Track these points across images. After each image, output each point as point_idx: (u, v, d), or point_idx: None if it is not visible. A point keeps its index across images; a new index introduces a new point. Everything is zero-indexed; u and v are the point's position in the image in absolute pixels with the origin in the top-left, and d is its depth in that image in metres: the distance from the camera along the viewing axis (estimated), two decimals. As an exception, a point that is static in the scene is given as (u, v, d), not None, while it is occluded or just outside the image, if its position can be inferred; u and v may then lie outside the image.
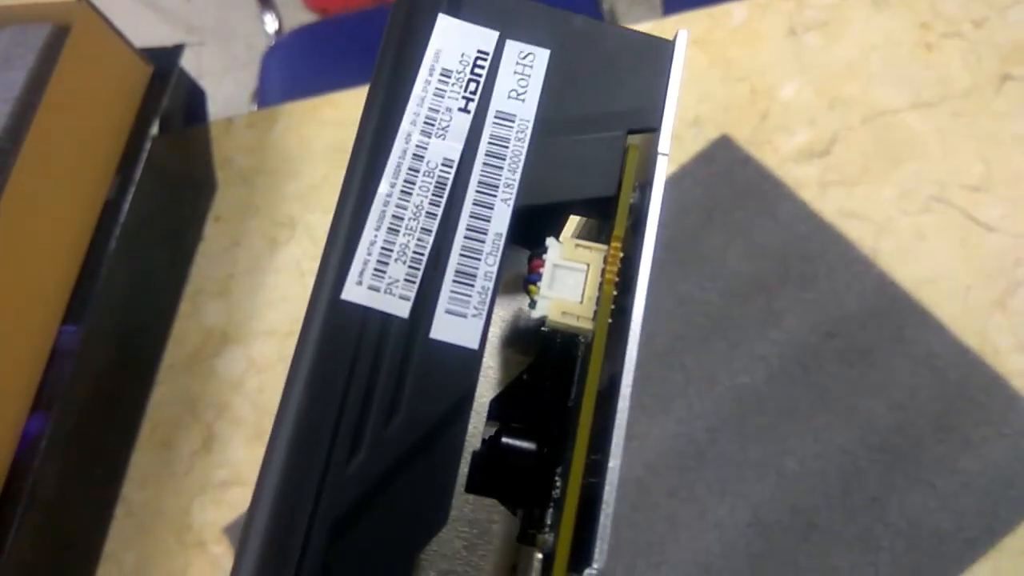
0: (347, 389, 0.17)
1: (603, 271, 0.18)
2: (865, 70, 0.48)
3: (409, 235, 0.18)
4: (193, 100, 0.57)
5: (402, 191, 0.18)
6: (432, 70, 0.19)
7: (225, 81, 1.32)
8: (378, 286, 0.18)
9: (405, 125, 0.19)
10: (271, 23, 0.92)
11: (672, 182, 0.47)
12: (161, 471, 0.48)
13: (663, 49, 0.20)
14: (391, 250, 0.18)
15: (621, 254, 0.18)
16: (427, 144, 0.19)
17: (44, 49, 0.45)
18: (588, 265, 0.18)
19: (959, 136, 0.46)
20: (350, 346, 0.17)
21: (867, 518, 0.39)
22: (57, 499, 0.45)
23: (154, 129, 0.51)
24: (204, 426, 0.49)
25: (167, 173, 0.54)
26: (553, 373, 0.20)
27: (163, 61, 0.52)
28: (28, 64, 0.45)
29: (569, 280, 0.18)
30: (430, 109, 0.19)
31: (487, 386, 0.20)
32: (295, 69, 0.87)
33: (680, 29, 0.20)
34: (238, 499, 0.46)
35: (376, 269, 0.18)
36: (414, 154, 0.19)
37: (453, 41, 0.20)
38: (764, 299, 0.44)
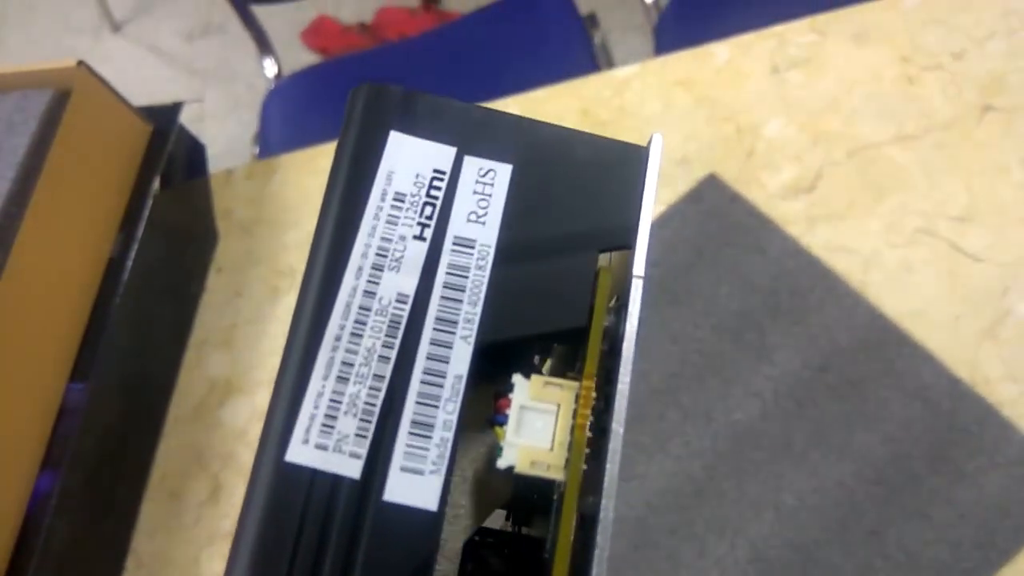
0: (293, 562, 0.15)
1: (575, 413, 0.17)
2: (848, 105, 0.49)
3: (360, 383, 0.16)
4: (193, 155, 0.58)
5: (352, 333, 0.17)
6: (384, 195, 0.18)
7: (228, 122, 1.34)
8: (326, 444, 0.16)
9: (355, 258, 0.17)
10: (270, 67, 0.94)
11: (661, 221, 0.48)
12: (170, 522, 0.49)
13: (636, 156, 0.19)
14: (340, 402, 0.16)
15: (594, 394, 0.17)
16: (379, 278, 0.17)
17: (46, 114, 0.47)
18: (559, 405, 0.17)
19: (943, 167, 0.47)
20: (295, 515, 0.16)
21: (865, 551, 0.40)
22: (69, 553, 0.45)
23: (155, 186, 0.52)
24: (211, 476, 0.50)
25: (169, 228, 0.55)
26: (529, 513, 0.18)
27: (162, 119, 0.54)
28: (31, 129, 0.46)
29: (538, 423, 0.17)
30: (382, 239, 0.18)
31: (459, 528, 0.18)
32: (295, 112, 0.88)
33: (655, 133, 0.19)
34: (245, 549, 0.47)
35: (324, 424, 0.16)
36: (365, 290, 0.17)
37: (407, 160, 0.18)
38: (756, 335, 0.45)
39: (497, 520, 0.19)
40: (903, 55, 0.50)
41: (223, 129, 1.32)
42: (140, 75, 1.34)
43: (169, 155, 0.53)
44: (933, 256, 0.45)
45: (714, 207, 0.48)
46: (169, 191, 0.55)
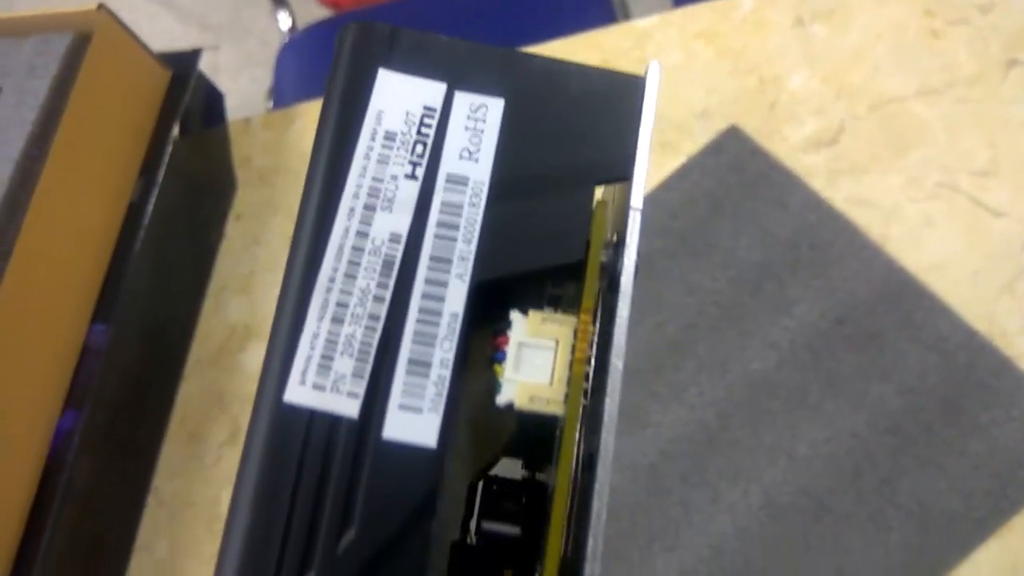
0: (292, 504, 0.15)
1: (573, 348, 0.16)
2: (871, 58, 0.49)
3: (355, 324, 0.16)
4: (211, 102, 0.58)
5: (346, 275, 0.17)
6: (374, 134, 0.18)
7: (240, 78, 1.34)
8: (323, 384, 0.16)
9: (347, 200, 0.17)
10: (284, 20, 0.93)
11: (681, 173, 0.48)
12: (191, 463, 0.50)
13: (632, 87, 0.18)
14: (336, 342, 0.16)
15: (592, 328, 0.17)
16: (372, 219, 0.17)
17: (66, 57, 0.47)
18: (557, 341, 0.17)
19: (966, 122, 0.47)
20: (295, 455, 0.16)
21: (878, 500, 0.40)
22: (91, 492, 0.46)
23: (175, 132, 0.52)
24: (231, 419, 0.50)
25: (188, 175, 0.55)
26: (533, 451, 0.18)
27: (181, 65, 0.54)
28: (52, 72, 0.46)
29: (537, 360, 0.17)
30: (374, 179, 0.17)
31: (463, 469, 0.18)
32: (310, 66, 0.88)
33: (652, 61, 0.19)
34: (265, 490, 0.47)
35: (320, 365, 0.16)
36: (358, 231, 0.17)
37: (396, 98, 0.18)
38: (775, 287, 0.45)
39: (515, 471, 0.19)
40: (928, 8, 0.50)
41: (236, 85, 1.32)
42: (152, 29, 1.33)
43: (188, 102, 0.53)
44: (954, 210, 0.45)
45: (735, 160, 0.48)
46: (188, 139, 0.55)
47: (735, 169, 0.47)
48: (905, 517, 0.40)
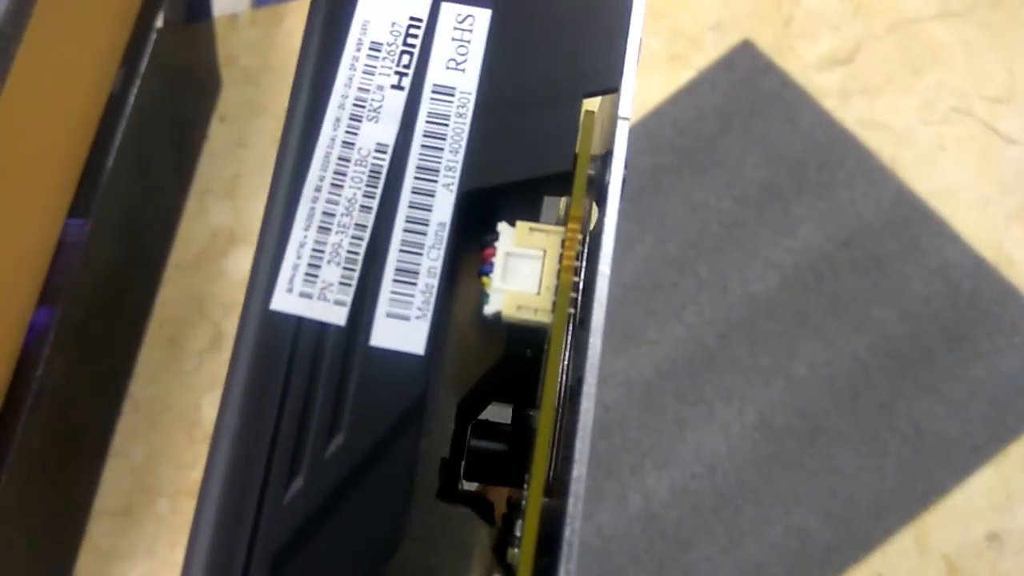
0: (281, 410, 0.16)
1: (560, 257, 0.17)
2: (892, -24, 0.47)
3: (342, 233, 0.16)
4: (197, -7, 0.55)
5: (332, 184, 0.17)
6: (360, 44, 0.18)
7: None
8: (311, 292, 0.16)
9: (332, 110, 0.17)
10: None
11: (690, 88, 0.47)
12: (169, 368, 0.48)
13: None
14: (323, 251, 0.16)
15: (580, 236, 0.17)
16: (358, 129, 0.17)
17: (45, -71, 0.44)
18: (545, 251, 0.17)
19: (985, 46, 0.45)
20: (282, 361, 0.16)
21: (874, 423, 0.40)
22: (65, 392, 0.45)
23: (159, 22, 0.49)
24: (212, 325, 0.49)
25: (171, 69, 0.52)
26: (524, 366, 0.18)
27: (167, -50, 0.51)
28: (29, -55, 0.43)
29: (524, 269, 0.17)
30: (359, 89, 0.17)
31: (453, 386, 0.18)
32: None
33: None
34: (247, 396, 0.46)
35: (308, 273, 0.16)
36: (344, 141, 0.17)
37: (382, 8, 0.18)
38: (780, 207, 0.44)
39: (505, 416, 0.19)
40: (954, -72, 0.48)
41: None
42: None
43: (173, -10, 0.50)
44: (967, 136, 0.44)
45: (746, 75, 0.46)
46: (171, 32, 0.52)
47: (746, 85, 0.46)
48: (901, 441, 0.39)
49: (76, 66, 0.45)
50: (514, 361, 0.18)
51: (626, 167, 0.17)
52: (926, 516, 0.38)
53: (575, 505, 0.15)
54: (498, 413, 0.19)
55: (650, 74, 0.47)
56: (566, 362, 0.17)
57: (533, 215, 0.18)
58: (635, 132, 0.47)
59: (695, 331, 0.43)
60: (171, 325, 0.49)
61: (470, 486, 0.18)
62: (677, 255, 0.44)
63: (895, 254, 0.42)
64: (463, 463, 0.18)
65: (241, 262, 0.50)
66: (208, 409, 0.47)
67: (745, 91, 0.46)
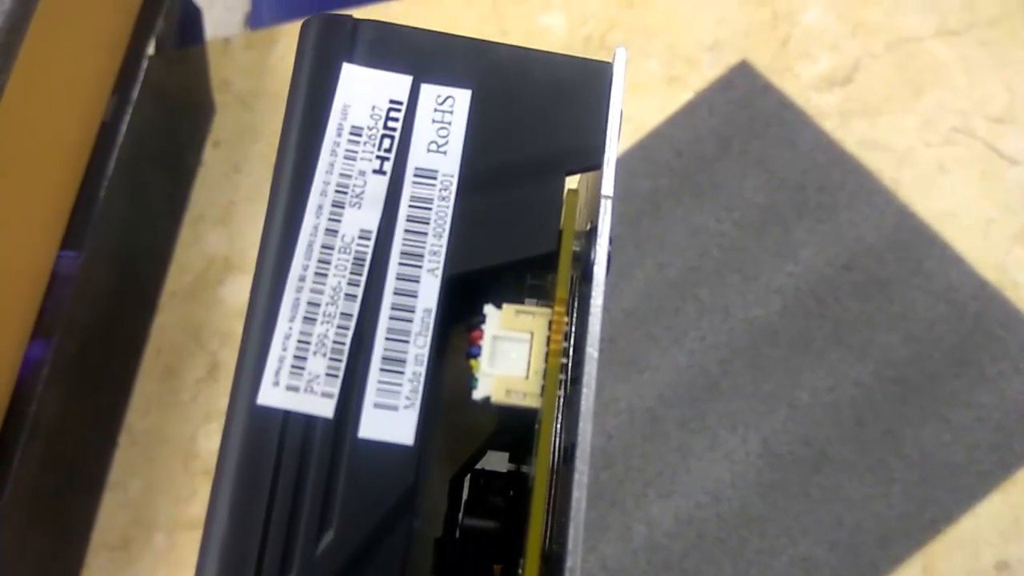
0: (270, 507, 0.15)
1: (548, 339, 0.17)
2: (890, -5, 0.47)
3: (328, 323, 0.16)
4: (188, 18, 0.55)
5: (316, 273, 0.17)
6: (340, 130, 0.17)
7: (215, 7, 1.28)
8: (297, 385, 0.16)
9: (315, 197, 0.17)
10: (265, -57, 0.88)
11: (688, 109, 0.46)
12: (166, 399, 0.48)
13: (600, 73, 0.18)
14: (308, 342, 0.16)
15: (566, 319, 0.17)
16: (341, 216, 0.17)
17: (34, -41, 0.43)
18: (532, 333, 0.17)
19: (985, 65, 0.45)
20: (271, 457, 0.16)
21: (880, 450, 0.39)
22: (60, 426, 0.44)
23: (150, 49, 0.49)
24: (209, 354, 0.48)
25: (164, 95, 0.52)
26: (517, 444, 0.18)
27: (158, -24, 0.50)
28: (18, -25, 0.43)
29: (512, 353, 0.17)
30: (341, 175, 0.17)
31: (445, 463, 0.18)
32: (291, -9, 0.83)
33: (619, 47, 0.18)
34: (244, 427, 0.46)
35: (294, 366, 0.16)
36: (327, 229, 0.17)
37: (362, 93, 0.18)
38: (780, 231, 0.44)
39: (501, 464, 0.19)
40: (951, -55, 0.47)
41: (210, 13, 1.27)
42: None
43: (165, 16, 0.50)
44: (969, 157, 0.43)
45: (745, 96, 0.46)
46: (163, 57, 0.52)
47: (744, 106, 0.45)
48: (907, 468, 0.39)
49: (67, 95, 0.45)
50: (507, 436, 0.18)
51: (611, 243, 0.17)
52: (934, 544, 0.38)
53: None
54: (495, 462, 0.19)
55: (648, 95, 0.46)
56: (557, 437, 0.17)
57: (520, 296, 0.18)
58: (633, 154, 0.46)
59: (697, 357, 0.42)
60: (167, 354, 0.48)
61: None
62: (677, 279, 0.44)
63: (898, 278, 0.42)
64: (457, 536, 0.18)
65: (237, 289, 0.49)
66: (204, 440, 0.46)
67: (743, 112, 0.46)
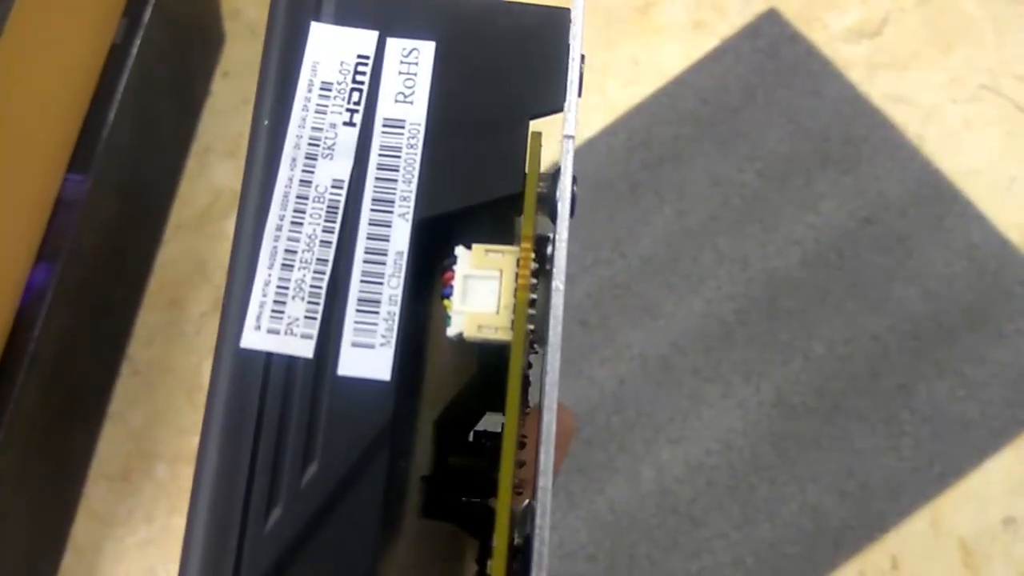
0: (256, 444, 0.16)
1: (516, 275, 0.17)
2: (923, -52, 0.46)
3: (305, 268, 0.17)
4: (201, -57, 0.53)
5: (292, 222, 0.17)
6: (311, 85, 0.18)
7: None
8: (278, 328, 0.17)
9: (288, 150, 0.18)
10: None
11: (714, 56, 0.45)
12: (170, 330, 0.47)
13: (559, 20, 0.19)
14: (287, 287, 0.17)
15: (533, 255, 0.17)
16: (314, 167, 0.18)
17: None
18: (501, 271, 0.17)
19: (1015, 25, 0.44)
20: (255, 397, 0.16)
21: (893, 404, 0.39)
22: (63, 351, 0.43)
23: (162, -30, 0.47)
24: (214, 287, 0.47)
25: (175, 21, 0.50)
26: (496, 383, 0.18)
27: None
28: None
29: (482, 290, 0.17)
30: (313, 128, 0.18)
31: (430, 406, 0.19)
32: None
33: None
34: (251, 361, 0.45)
35: (274, 310, 0.17)
36: (301, 180, 0.18)
37: (330, 49, 0.19)
38: (803, 182, 0.43)
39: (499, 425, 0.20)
40: (987, -100, 0.47)
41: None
42: None
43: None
44: (995, 115, 0.43)
45: (772, 45, 0.45)
46: (174, -19, 0.50)
47: (771, 55, 0.45)
48: (920, 422, 0.39)
49: (77, 14, 0.43)
50: (488, 377, 0.19)
51: (575, 183, 0.18)
52: (942, 498, 0.38)
53: (543, 516, 0.16)
54: (495, 422, 0.20)
55: (672, 41, 0.46)
56: (526, 370, 0.18)
57: (493, 236, 0.19)
58: (657, 100, 0.46)
59: (713, 306, 0.42)
60: (172, 287, 0.48)
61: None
62: (697, 228, 0.43)
63: (918, 233, 0.41)
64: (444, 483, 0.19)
65: (245, 224, 0.48)
66: (208, 373, 0.45)
67: (770, 61, 0.45)
